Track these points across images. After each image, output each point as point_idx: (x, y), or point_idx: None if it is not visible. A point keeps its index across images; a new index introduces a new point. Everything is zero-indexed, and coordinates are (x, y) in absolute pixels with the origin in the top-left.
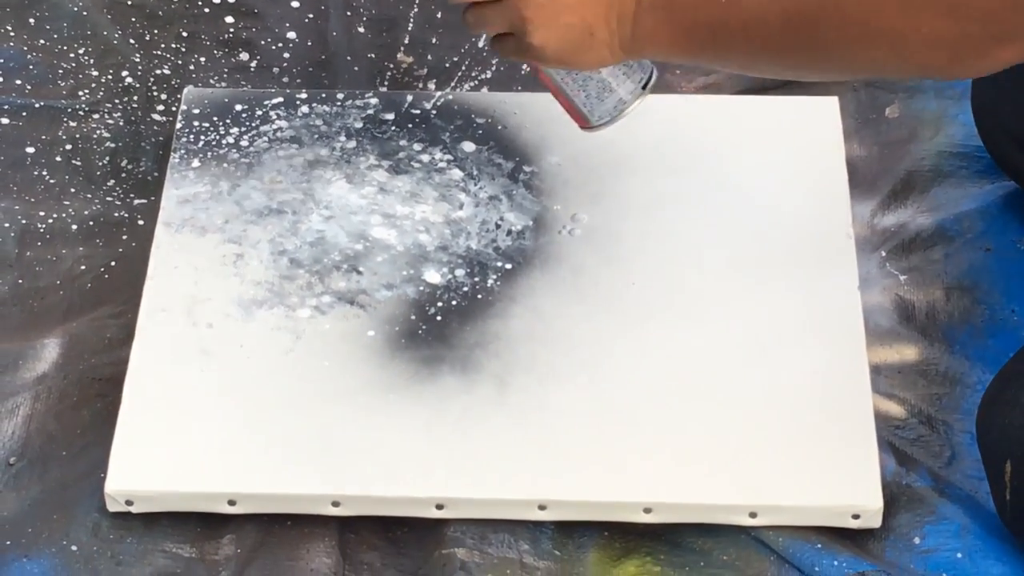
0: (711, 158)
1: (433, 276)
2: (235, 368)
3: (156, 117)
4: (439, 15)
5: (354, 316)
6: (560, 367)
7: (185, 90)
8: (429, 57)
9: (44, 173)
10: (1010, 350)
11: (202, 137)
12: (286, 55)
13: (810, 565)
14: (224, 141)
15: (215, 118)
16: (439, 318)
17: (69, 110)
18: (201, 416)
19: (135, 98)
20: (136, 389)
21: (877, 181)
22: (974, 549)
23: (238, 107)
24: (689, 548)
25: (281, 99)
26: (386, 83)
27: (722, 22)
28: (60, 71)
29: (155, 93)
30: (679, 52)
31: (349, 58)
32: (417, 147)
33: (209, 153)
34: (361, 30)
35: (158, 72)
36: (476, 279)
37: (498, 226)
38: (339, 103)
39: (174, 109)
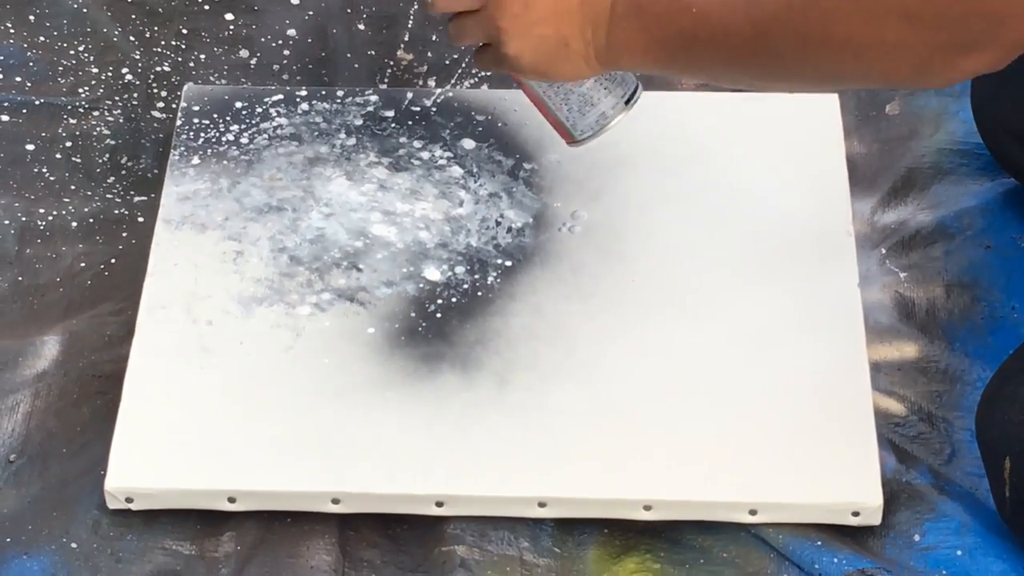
0: (711, 155)
1: (433, 273)
2: (235, 365)
3: (156, 114)
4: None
5: (354, 313)
6: (560, 364)
7: (185, 87)
8: (429, 54)
9: (44, 170)
10: (1010, 347)
11: (202, 134)
12: (286, 52)
13: (810, 562)
14: (224, 138)
15: (215, 115)
16: (439, 315)
17: (69, 107)
18: (201, 413)
19: (135, 95)
20: (136, 386)
21: (877, 178)
22: (974, 546)
23: (238, 104)
24: (689, 545)
25: (281, 96)
26: (386, 80)
27: (692, 32)
28: (60, 68)
29: (155, 90)
30: (652, 62)
31: (349, 55)
32: (417, 144)
33: (209, 150)
34: (361, 27)
35: (158, 69)
36: (476, 276)
37: (498, 223)
38: (339, 100)
39: (174, 106)
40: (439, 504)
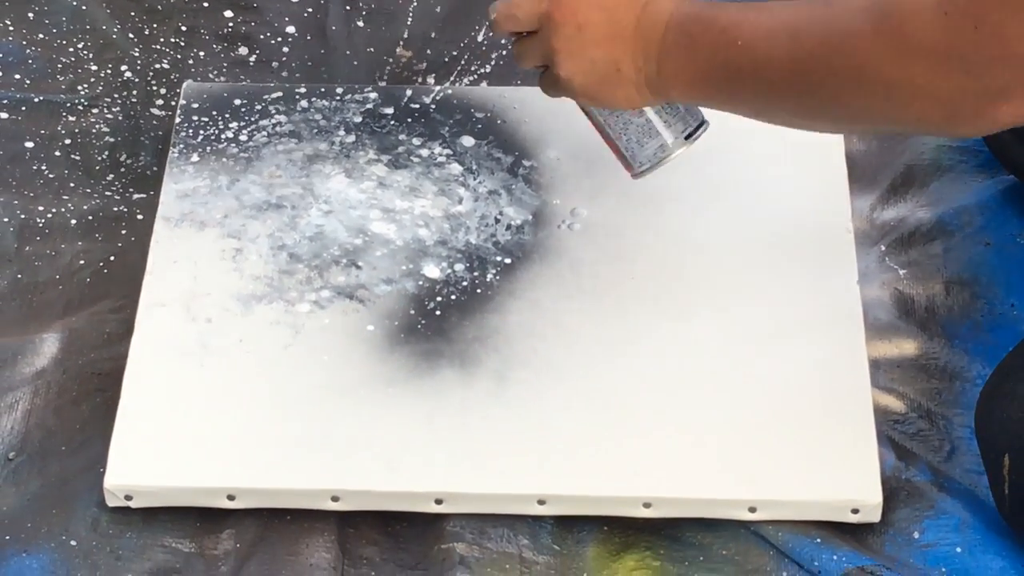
0: (710, 152)
1: (432, 271)
2: (234, 363)
3: (155, 112)
4: (438, 9)
5: (353, 311)
6: (559, 362)
7: (184, 84)
8: (428, 51)
9: (43, 168)
10: (1009, 344)
11: (201, 132)
12: (285, 49)
13: (809, 559)
14: (223, 136)
15: (214, 112)
16: (438, 312)
17: (68, 105)
18: (200, 411)
19: (134, 93)
20: (135, 384)
21: (876, 175)
22: (973, 543)
23: (237, 102)
24: (689, 543)
25: (280, 94)
26: (385, 77)
27: (737, 64)
28: (59, 65)
29: (154, 88)
30: (699, 92)
31: (348, 52)
32: (416, 142)
33: (208, 148)
34: (360, 24)
35: (157, 67)
36: (475, 273)
37: (497, 220)
38: (338, 97)
39: (173, 104)
40: (438, 501)
